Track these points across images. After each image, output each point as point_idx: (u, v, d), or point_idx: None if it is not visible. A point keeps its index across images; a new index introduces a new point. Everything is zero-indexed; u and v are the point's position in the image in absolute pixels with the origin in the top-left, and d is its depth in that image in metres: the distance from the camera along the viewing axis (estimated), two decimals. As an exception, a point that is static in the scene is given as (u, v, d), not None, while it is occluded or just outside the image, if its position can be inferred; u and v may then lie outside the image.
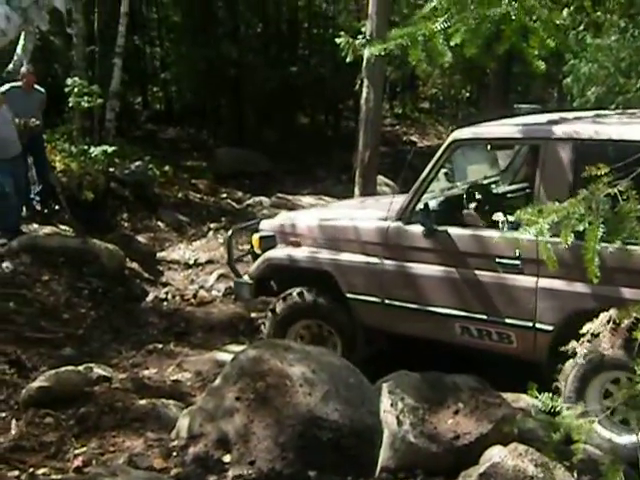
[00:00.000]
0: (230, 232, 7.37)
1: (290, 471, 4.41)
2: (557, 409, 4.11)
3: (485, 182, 6.67)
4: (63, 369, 6.02)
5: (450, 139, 5.77)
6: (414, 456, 4.54)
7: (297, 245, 6.63)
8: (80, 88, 12.35)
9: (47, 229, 10.18)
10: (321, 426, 4.57)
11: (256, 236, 6.92)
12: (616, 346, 4.72)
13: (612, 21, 10.90)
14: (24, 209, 10.22)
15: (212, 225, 13.16)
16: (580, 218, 3.49)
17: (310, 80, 22.64)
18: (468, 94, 27.13)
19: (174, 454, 4.76)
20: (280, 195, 15.23)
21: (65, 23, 13.54)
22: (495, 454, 4.32)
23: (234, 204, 15.74)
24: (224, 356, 6.71)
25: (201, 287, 9.71)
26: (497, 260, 5.40)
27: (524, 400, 4.98)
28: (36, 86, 10.71)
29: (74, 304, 8.14)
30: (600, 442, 4.77)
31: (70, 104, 12.70)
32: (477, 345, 5.70)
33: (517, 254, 5.19)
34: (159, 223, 13.07)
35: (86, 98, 12.37)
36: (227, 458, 4.56)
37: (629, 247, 4.26)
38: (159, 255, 11.36)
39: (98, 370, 6.25)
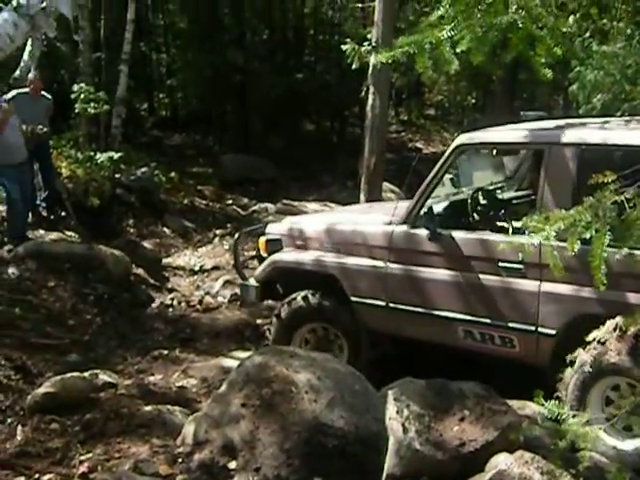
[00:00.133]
0: (237, 236, 7.41)
1: (295, 478, 4.41)
2: (563, 417, 4.11)
3: (490, 187, 6.67)
4: (69, 375, 6.03)
5: (455, 144, 5.78)
6: (420, 463, 4.53)
7: (303, 248, 6.65)
8: (86, 94, 12.36)
9: (53, 235, 10.18)
10: (326, 433, 4.56)
11: (262, 239, 6.96)
12: (615, 352, 4.75)
13: (618, 28, 10.89)
14: (30, 215, 10.23)
15: (218, 231, 13.17)
16: (587, 226, 3.50)
17: (316, 87, 22.66)
18: (474, 101, 27.12)
19: (179, 460, 4.76)
20: (286, 201, 15.23)
21: (72, 30, 13.54)
22: (501, 461, 4.31)
23: (240, 210, 15.75)
24: (230, 362, 6.72)
25: (207, 293, 9.72)
26: (500, 264, 5.40)
27: (530, 407, 4.97)
28: (43, 92, 10.74)
29: (80, 310, 8.15)
30: (605, 449, 4.75)
31: (76, 110, 12.72)
32: (480, 349, 5.70)
33: (520, 258, 5.19)
34: (165, 229, 13.08)
35: (92, 104, 12.38)
36: (233, 464, 4.56)
37: (634, 252, 4.26)
38: (165, 261, 11.38)
39: (104, 376, 6.26)
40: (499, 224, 5.99)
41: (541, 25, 4.94)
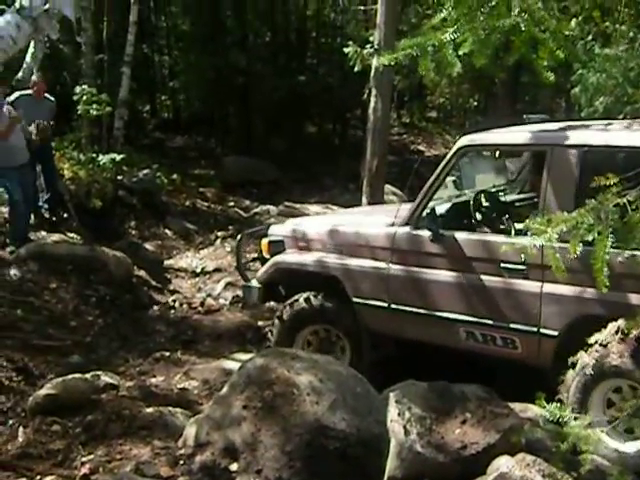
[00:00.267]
0: (239, 237, 7.41)
1: (297, 480, 4.42)
2: (564, 419, 4.11)
3: (493, 189, 6.67)
4: (70, 377, 6.03)
5: (458, 145, 5.78)
6: (421, 466, 4.53)
7: (305, 250, 6.65)
8: (89, 96, 12.38)
9: (55, 237, 10.20)
10: (328, 435, 4.57)
11: (265, 241, 6.97)
12: (617, 354, 4.75)
13: (621, 31, 10.89)
14: (32, 217, 10.23)
15: (219, 233, 13.17)
16: (589, 228, 3.50)
17: (318, 89, 22.65)
18: (476, 103, 27.12)
19: (181, 462, 4.77)
20: (288, 204, 15.23)
21: (74, 32, 13.57)
22: (502, 464, 4.31)
23: (242, 212, 15.76)
24: (231, 364, 6.72)
25: (208, 295, 9.73)
26: (502, 265, 5.40)
27: (532, 410, 4.96)
28: (46, 94, 10.75)
29: (82, 312, 8.16)
30: (607, 452, 4.75)
31: (79, 112, 12.74)
32: (482, 350, 5.69)
33: (522, 259, 5.18)
34: (167, 231, 13.09)
35: (95, 106, 12.40)
36: (234, 467, 4.56)
37: (635, 253, 4.26)
38: (166, 263, 11.38)
39: (105, 378, 6.26)
40: (501, 226, 6.00)
41: (543, 28, 4.94)
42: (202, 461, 4.66)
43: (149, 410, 5.62)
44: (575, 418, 4.18)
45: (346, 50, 11.25)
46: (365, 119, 12.52)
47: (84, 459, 4.95)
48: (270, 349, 6.25)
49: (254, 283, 6.95)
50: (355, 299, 6.21)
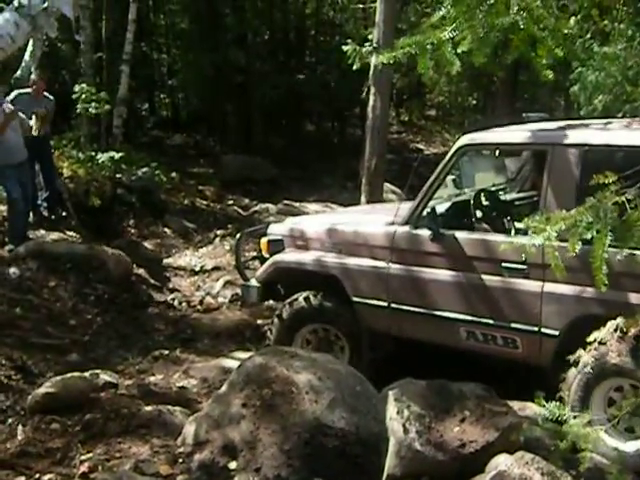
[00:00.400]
0: (238, 236, 7.40)
1: (296, 478, 4.41)
2: (564, 418, 4.11)
3: (493, 188, 6.67)
4: (69, 375, 6.02)
5: (458, 144, 5.77)
6: (420, 464, 4.53)
7: (304, 249, 6.65)
8: (88, 95, 12.39)
9: (54, 235, 10.20)
10: (327, 433, 4.57)
11: (264, 240, 6.96)
12: (616, 353, 4.74)
13: (619, 30, 10.88)
14: (31, 215, 10.23)
15: (218, 232, 13.16)
16: (588, 226, 3.50)
17: (317, 87, 22.65)
18: (475, 102, 27.10)
19: (180, 461, 4.77)
20: (286, 202, 15.23)
21: (73, 30, 13.55)
22: (501, 462, 4.31)
23: (240, 211, 15.76)
24: (230, 363, 6.71)
25: (207, 294, 9.72)
26: (503, 264, 5.40)
27: (531, 408, 4.96)
28: (45, 93, 10.74)
29: (80, 310, 8.15)
30: (607, 451, 4.75)
31: (78, 110, 12.74)
32: (482, 350, 5.70)
33: (523, 259, 5.18)
34: (165, 229, 13.08)
35: (93, 104, 12.41)
36: (233, 465, 4.56)
37: (636, 252, 4.26)
38: (165, 261, 11.38)
39: (104, 376, 6.25)
40: (501, 225, 6.00)
41: (542, 26, 4.94)
42: (201, 459, 4.66)
43: (148, 408, 5.61)
44: (574, 417, 4.18)
45: (345, 48, 11.24)
46: (364, 117, 12.53)
47: (83, 457, 4.94)
48: (269, 348, 6.25)
49: (253, 282, 6.95)
50: (355, 298, 6.21)
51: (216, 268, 10.83)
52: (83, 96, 12.37)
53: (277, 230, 7.00)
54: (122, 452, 5.01)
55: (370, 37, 11.45)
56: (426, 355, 6.18)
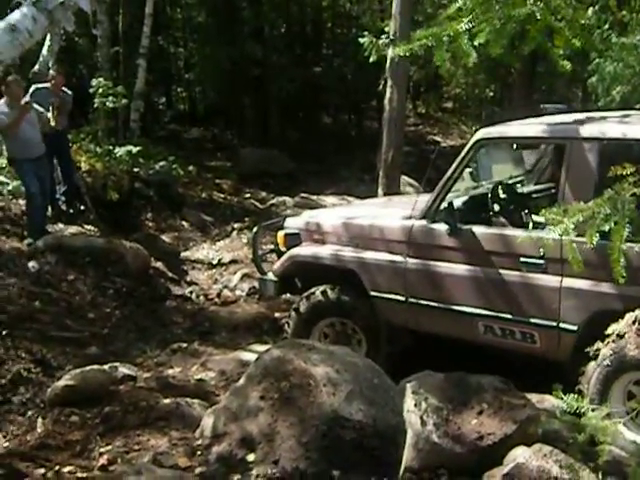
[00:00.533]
0: (256, 229, 7.39)
1: (314, 470, 4.42)
2: (582, 410, 4.09)
3: (510, 182, 6.64)
4: (88, 368, 6.06)
5: (475, 138, 5.74)
6: (438, 456, 4.53)
7: (322, 243, 6.64)
8: (105, 89, 12.44)
9: (72, 229, 10.25)
10: (345, 426, 4.57)
11: (281, 233, 6.96)
12: (637, 346, 4.71)
13: (637, 20, 10.81)
14: (49, 209, 10.29)
15: (236, 225, 13.18)
16: (605, 218, 3.48)
17: (334, 80, 22.64)
18: (492, 93, 26.96)
19: (198, 453, 4.79)
20: (304, 195, 15.24)
21: (90, 24, 13.60)
22: (519, 455, 4.30)
23: (258, 204, 15.78)
24: (248, 355, 6.73)
25: (225, 287, 9.74)
26: (521, 259, 5.37)
27: (549, 401, 4.94)
28: (63, 87, 10.78)
29: (99, 303, 8.20)
30: (625, 444, 4.73)
31: (95, 105, 12.79)
32: (501, 344, 5.68)
33: (541, 253, 5.16)
34: (183, 223, 13.12)
35: (111, 98, 12.46)
36: (251, 457, 4.57)
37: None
38: (183, 255, 11.41)
39: (123, 369, 6.29)
40: (519, 218, 5.97)
41: (560, 17, 4.91)
42: (219, 452, 4.67)
43: (166, 401, 5.64)
44: (593, 409, 4.17)
45: (361, 41, 11.23)
46: (381, 110, 12.51)
47: (102, 450, 4.98)
48: (287, 340, 6.26)
49: (270, 276, 6.96)
50: (372, 292, 6.20)
51: (233, 261, 10.85)
52: (100, 90, 12.42)
53: (294, 224, 6.99)
54: (141, 444, 5.04)
55: (387, 29, 11.41)
56: (444, 349, 6.17)
